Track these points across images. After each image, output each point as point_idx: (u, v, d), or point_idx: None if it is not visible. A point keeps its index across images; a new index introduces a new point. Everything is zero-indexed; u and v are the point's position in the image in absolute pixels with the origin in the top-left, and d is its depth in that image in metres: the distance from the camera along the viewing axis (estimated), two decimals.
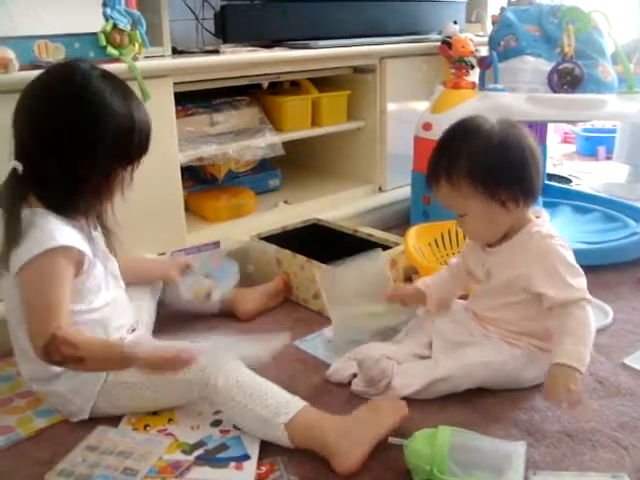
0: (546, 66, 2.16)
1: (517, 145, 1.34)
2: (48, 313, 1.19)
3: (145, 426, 1.33)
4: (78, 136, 1.23)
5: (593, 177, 3.11)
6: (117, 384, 1.32)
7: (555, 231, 1.39)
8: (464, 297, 1.59)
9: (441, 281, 1.57)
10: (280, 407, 1.24)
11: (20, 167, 1.23)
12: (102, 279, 1.36)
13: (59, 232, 1.23)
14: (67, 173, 1.24)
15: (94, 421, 1.34)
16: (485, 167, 1.32)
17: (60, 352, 1.16)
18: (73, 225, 1.28)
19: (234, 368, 1.31)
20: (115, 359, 1.22)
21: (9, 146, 1.47)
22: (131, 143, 1.27)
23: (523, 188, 1.34)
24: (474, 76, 2.38)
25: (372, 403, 1.30)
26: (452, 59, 2.33)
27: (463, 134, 1.37)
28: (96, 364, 1.23)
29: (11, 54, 1.48)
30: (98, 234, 1.38)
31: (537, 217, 1.42)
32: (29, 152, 1.25)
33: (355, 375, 1.44)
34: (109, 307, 1.37)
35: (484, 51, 2.44)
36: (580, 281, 1.33)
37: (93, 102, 1.23)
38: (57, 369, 1.29)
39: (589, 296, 1.32)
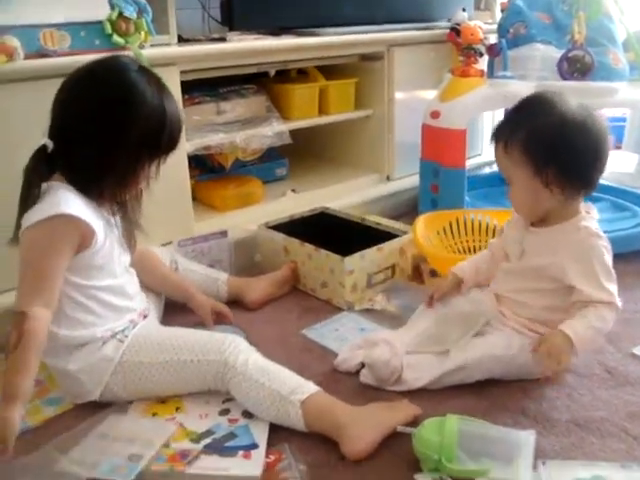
0: (556, 53, 2.14)
1: (581, 132, 1.31)
2: (35, 287, 1.20)
3: (153, 414, 1.33)
4: (111, 120, 1.26)
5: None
6: (132, 364, 1.33)
7: (602, 232, 1.37)
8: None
9: (479, 263, 1.56)
10: (296, 387, 1.26)
11: (51, 145, 1.26)
12: (110, 262, 1.36)
13: (69, 202, 1.24)
14: (97, 156, 1.27)
15: (102, 408, 1.34)
16: (539, 142, 1.31)
17: (16, 329, 1.14)
18: (89, 204, 1.29)
19: (251, 351, 1.34)
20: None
21: (16, 131, 1.48)
22: (161, 134, 1.29)
23: (572, 175, 1.32)
24: (483, 64, 2.36)
25: (387, 403, 1.31)
26: (461, 47, 2.31)
27: (534, 105, 1.37)
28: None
29: (16, 42, 1.47)
30: (115, 222, 1.39)
31: (587, 212, 1.40)
32: (64, 132, 1.27)
33: (363, 364, 1.43)
34: (114, 290, 1.37)
35: (493, 39, 2.43)
36: (614, 287, 1.33)
37: (130, 91, 1.27)
38: (72, 346, 1.31)
39: (619, 303, 1.32)
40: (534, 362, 1.33)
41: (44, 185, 1.26)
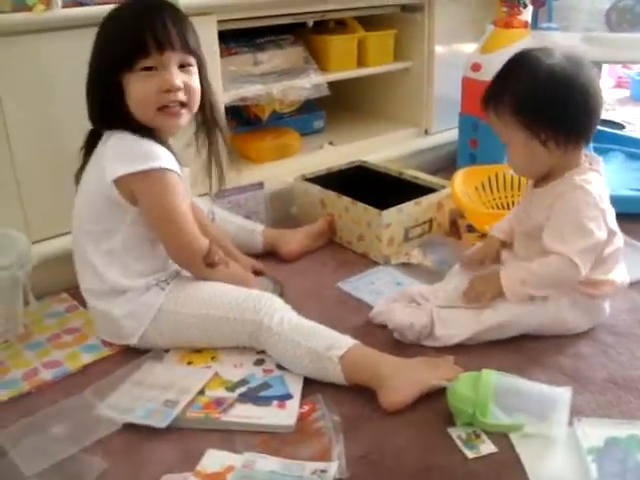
0: (605, 4, 2.06)
1: (567, 84, 1.30)
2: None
3: (188, 363, 1.35)
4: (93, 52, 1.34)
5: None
6: (170, 313, 1.35)
7: (597, 185, 1.34)
8: None
9: (508, 221, 1.55)
10: (333, 342, 1.26)
11: None
12: None
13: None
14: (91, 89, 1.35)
15: (139, 355, 1.36)
16: (528, 102, 1.31)
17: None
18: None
19: (286, 309, 1.35)
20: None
21: (54, 79, 1.49)
22: (115, 37, 1.32)
23: (565, 129, 1.31)
24: (527, 15, 2.29)
25: (432, 359, 1.30)
26: None
27: (519, 64, 1.36)
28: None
29: None
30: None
31: (590, 164, 1.37)
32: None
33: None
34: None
35: None
36: (580, 242, 1.30)
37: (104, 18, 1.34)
38: (118, 290, 1.35)
39: (577, 259, 1.29)
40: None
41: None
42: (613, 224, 1.37)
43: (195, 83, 1.36)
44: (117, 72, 1.30)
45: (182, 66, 1.33)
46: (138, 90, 1.30)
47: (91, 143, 1.38)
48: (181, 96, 1.33)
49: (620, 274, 1.41)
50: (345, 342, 1.27)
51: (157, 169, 1.29)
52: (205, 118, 1.45)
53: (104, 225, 1.34)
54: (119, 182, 1.30)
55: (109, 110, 1.33)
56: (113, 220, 1.34)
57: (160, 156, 1.31)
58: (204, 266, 1.38)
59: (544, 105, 1.31)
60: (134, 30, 1.29)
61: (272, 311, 1.32)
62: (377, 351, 1.28)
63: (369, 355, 1.26)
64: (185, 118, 1.38)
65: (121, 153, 1.31)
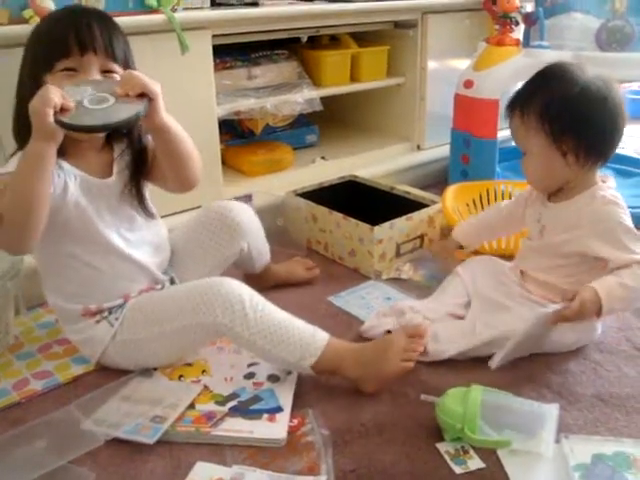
0: (595, 23, 2.09)
1: (598, 101, 1.31)
2: None
3: (179, 377, 1.35)
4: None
5: (639, 140, 3.03)
6: (127, 342, 1.32)
7: (620, 198, 1.35)
8: (510, 257, 1.59)
9: (481, 225, 1.58)
10: (304, 351, 1.25)
11: None
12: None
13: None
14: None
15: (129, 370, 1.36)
16: (557, 110, 1.32)
17: None
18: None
19: (244, 301, 1.26)
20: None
21: None
22: (34, 42, 1.27)
23: (588, 145, 1.32)
24: (519, 33, 2.31)
25: (385, 341, 1.31)
26: (496, 15, 2.26)
27: (552, 74, 1.37)
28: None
29: (50, 4, 1.47)
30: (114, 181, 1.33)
31: (603, 182, 1.38)
32: None
33: (389, 332, 1.44)
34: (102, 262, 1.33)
35: (530, 7, 2.38)
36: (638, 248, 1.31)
37: None
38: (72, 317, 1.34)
39: None
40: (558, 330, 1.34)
41: None
42: None
43: None
44: (38, 75, 1.23)
45: (105, 72, 1.26)
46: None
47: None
48: None
49: None
50: (315, 347, 1.26)
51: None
52: (130, 142, 1.35)
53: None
54: None
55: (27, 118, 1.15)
56: None
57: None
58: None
59: (574, 117, 1.32)
60: (56, 30, 1.24)
61: (230, 310, 1.24)
62: (344, 346, 1.29)
63: (337, 361, 1.27)
64: None
65: None
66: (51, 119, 1.08)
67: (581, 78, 1.33)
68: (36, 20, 1.45)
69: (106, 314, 1.34)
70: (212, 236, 1.51)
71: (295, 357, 1.25)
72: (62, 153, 1.21)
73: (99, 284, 1.33)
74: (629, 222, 1.33)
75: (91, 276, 1.32)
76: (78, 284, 1.32)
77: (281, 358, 1.26)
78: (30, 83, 1.22)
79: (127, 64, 1.30)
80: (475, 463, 1.11)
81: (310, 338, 1.27)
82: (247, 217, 1.55)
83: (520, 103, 1.38)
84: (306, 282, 1.74)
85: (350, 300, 1.65)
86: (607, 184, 1.38)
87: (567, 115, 1.32)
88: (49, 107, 1.07)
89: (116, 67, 1.27)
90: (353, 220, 1.77)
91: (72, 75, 1.22)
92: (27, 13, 1.45)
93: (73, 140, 1.24)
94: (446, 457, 1.12)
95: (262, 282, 1.63)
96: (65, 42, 1.21)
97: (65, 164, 1.25)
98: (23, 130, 1.19)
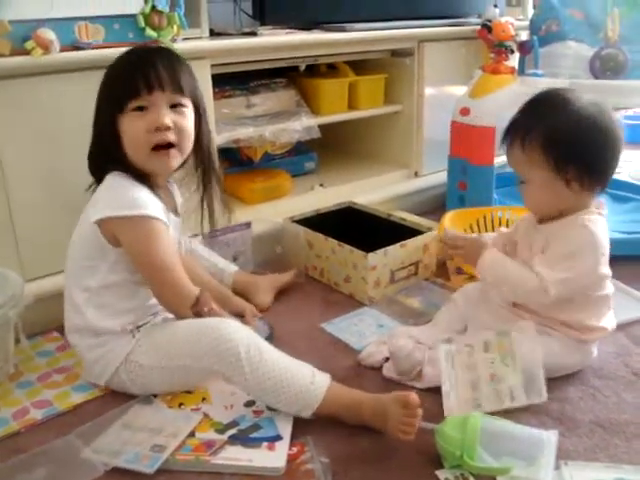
0: (588, 51, 2.11)
1: (599, 129, 1.32)
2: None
3: (180, 404, 1.35)
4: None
5: (634, 166, 3.06)
6: (135, 364, 1.34)
7: (601, 228, 1.35)
8: None
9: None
10: (303, 404, 1.25)
11: None
12: None
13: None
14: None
15: (129, 397, 1.36)
16: (561, 141, 1.32)
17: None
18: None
19: (247, 352, 1.27)
20: None
21: (51, 122, 1.52)
22: (110, 82, 1.35)
23: (592, 172, 1.33)
24: (514, 61, 2.34)
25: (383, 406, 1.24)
26: (492, 43, 2.29)
27: (550, 103, 1.37)
28: None
29: (52, 35, 1.49)
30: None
31: (596, 207, 1.39)
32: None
33: (387, 359, 1.44)
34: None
35: (524, 35, 2.41)
36: (563, 274, 1.32)
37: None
38: (96, 329, 1.36)
39: (553, 289, 1.31)
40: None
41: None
42: (606, 269, 1.38)
43: (186, 123, 1.36)
44: (111, 115, 1.33)
45: (174, 106, 1.35)
46: (129, 130, 1.32)
47: (99, 183, 1.38)
48: (170, 135, 1.33)
49: (610, 321, 1.43)
50: (316, 396, 1.25)
51: (140, 216, 1.30)
52: (202, 162, 1.46)
53: (88, 261, 1.35)
54: (101, 223, 1.31)
55: (105, 155, 1.36)
56: (96, 258, 1.34)
57: (146, 204, 1.31)
58: (191, 315, 1.35)
59: (577, 146, 1.32)
60: (126, 73, 1.33)
61: (225, 354, 1.26)
62: (344, 395, 1.28)
63: (335, 406, 1.26)
64: (176, 159, 1.38)
65: (109, 195, 1.33)
66: None
67: (577, 105, 1.33)
68: (38, 52, 1.47)
69: (134, 326, 1.38)
70: None
71: (293, 409, 1.26)
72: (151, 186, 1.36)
73: (147, 301, 1.41)
74: (582, 250, 1.33)
75: (147, 293, 1.39)
76: (130, 300, 1.38)
77: (280, 408, 1.27)
78: (104, 123, 1.34)
79: (194, 95, 1.40)
80: None
81: (308, 388, 1.25)
82: None
83: (519, 134, 1.37)
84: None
85: (343, 327, 1.65)
86: (599, 211, 1.38)
87: (570, 145, 1.32)
88: None
89: (184, 100, 1.36)
90: (347, 246, 1.78)
91: (143, 114, 1.31)
92: (29, 45, 1.47)
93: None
94: None
95: None
96: (134, 83, 1.30)
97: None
98: (96, 165, 1.38)
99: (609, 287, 1.41)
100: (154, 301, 1.41)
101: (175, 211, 1.47)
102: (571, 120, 1.33)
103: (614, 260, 1.39)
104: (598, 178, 1.35)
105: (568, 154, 1.32)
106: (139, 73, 1.31)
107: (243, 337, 1.28)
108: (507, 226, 1.99)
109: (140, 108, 1.32)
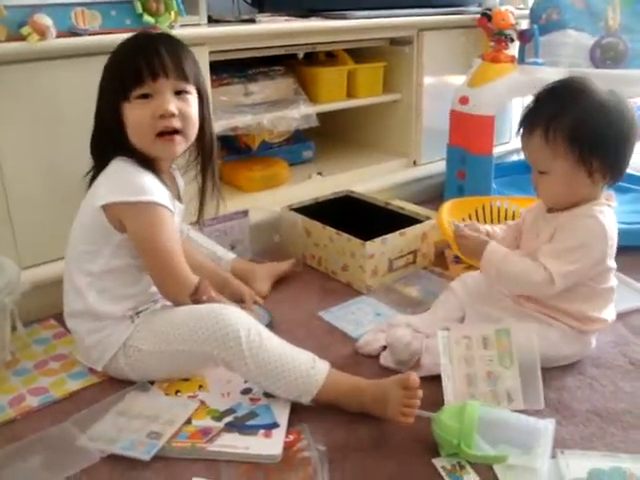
0: (589, 40, 2.11)
1: (624, 120, 1.31)
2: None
3: (176, 392, 1.35)
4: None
5: (634, 156, 3.04)
6: (134, 349, 1.34)
7: (609, 219, 1.34)
8: None
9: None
10: (303, 390, 1.25)
11: None
12: None
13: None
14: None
15: (126, 384, 1.36)
16: (589, 132, 1.29)
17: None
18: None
19: (246, 337, 1.27)
20: None
21: (49, 108, 1.50)
22: (113, 68, 1.35)
23: (615, 163, 1.33)
24: (514, 50, 2.33)
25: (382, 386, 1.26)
26: (491, 32, 2.28)
27: (575, 92, 1.33)
28: None
29: (48, 21, 1.48)
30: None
31: (606, 199, 1.38)
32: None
33: (385, 347, 1.44)
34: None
35: (525, 24, 2.40)
36: (569, 266, 1.31)
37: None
38: (97, 313, 1.35)
39: (558, 281, 1.31)
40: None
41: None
42: (612, 262, 1.38)
43: (191, 110, 1.36)
44: (115, 103, 1.32)
45: (178, 93, 1.34)
46: (134, 117, 1.32)
47: (99, 169, 1.38)
48: (175, 122, 1.33)
49: (611, 312, 1.43)
50: (316, 381, 1.25)
51: (146, 202, 1.30)
52: (203, 149, 1.46)
53: (91, 246, 1.35)
54: (107, 208, 1.30)
55: (108, 141, 1.36)
56: (99, 242, 1.34)
57: (152, 190, 1.31)
58: (190, 303, 1.35)
59: (603, 137, 1.30)
60: (129, 60, 1.32)
61: (226, 339, 1.26)
62: (343, 381, 1.28)
63: (335, 392, 1.26)
64: (181, 145, 1.38)
65: (115, 181, 1.33)
66: None
67: (600, 96, 1.31)
68: (34, 38, 1.46)
69: (135, 311, 1.38)
70: None
71: (293, 395, 1.26)
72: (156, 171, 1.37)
73: (149, 288, 1.41)
74: (590, 241, 1.32)
75: (149, 280, 1.39)
76: (132, 285, 1.38)
77: (279, 394, 1.27)
78: (108, 110, 1.34)
79: (198, 82, 1.39)
80: (471, 479, 1.11)
81: (308, 373, 1.25)
82: None
83: (543, 125, 1.32)
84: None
85: (340, 315, 1.65)
86: (608, 202, 1.37)
87: (596, 136, 1.29)
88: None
89: (188, 87, 1.36)
90: (345, 235, 1.78)
91: (147, 102, 1.31)
92: (25, 30, 1.45)
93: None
94: (442, 473, 1.12)
95: None
96: (138, 71, 1.30)
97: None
98: (99, 150, 1.38)
99: (613, 280, 1.41)
100: (155, 288, 1.40)
101: (179, 198, 1.47)
102: (596, 111, 1.30)
103: None
104: (621, 169, 1.34)
105: (594, 146, 1.29)
106: (143, 60, 1.30)
107: (243, 323, 1.28)
108: (506, 216, 1.99)
109: (145, 95, 1.31)
